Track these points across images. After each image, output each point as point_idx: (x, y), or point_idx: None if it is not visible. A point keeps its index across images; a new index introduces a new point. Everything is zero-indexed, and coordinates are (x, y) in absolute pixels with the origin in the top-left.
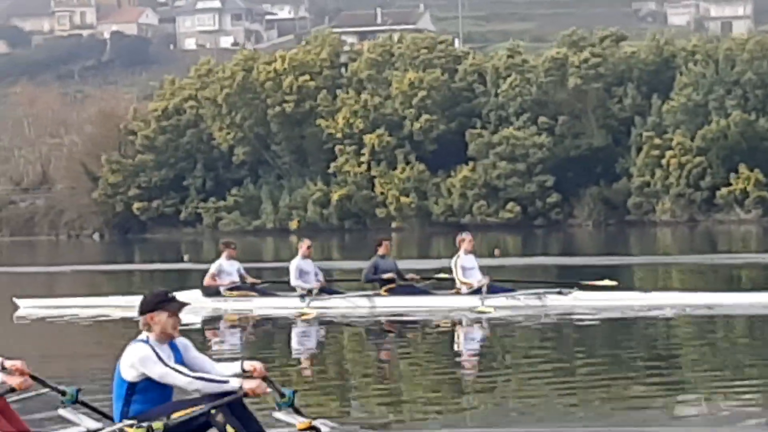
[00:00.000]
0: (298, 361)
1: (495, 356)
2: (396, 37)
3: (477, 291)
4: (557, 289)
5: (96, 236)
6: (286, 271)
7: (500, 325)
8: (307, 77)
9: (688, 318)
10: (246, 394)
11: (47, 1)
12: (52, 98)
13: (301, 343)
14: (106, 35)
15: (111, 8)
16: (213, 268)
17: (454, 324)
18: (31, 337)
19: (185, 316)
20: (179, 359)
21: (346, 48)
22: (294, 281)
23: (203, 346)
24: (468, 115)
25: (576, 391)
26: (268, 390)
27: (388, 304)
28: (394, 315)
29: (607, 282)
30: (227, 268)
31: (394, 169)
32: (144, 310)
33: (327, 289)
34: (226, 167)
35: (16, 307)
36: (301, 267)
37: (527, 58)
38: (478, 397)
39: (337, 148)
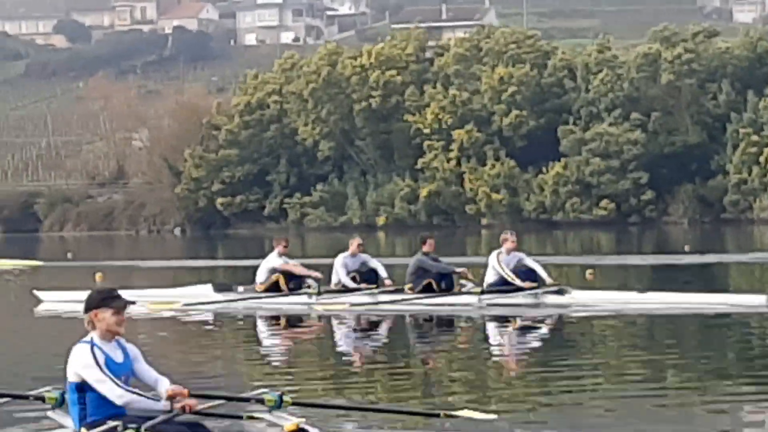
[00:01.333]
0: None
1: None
2: (484, 32)
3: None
4: (554, 288)
5: (177, 231)
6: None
7: (499, 322)
8: (393, 72)
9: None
10: (177, 414)
11: None
12: (128, 93)
13: (307, 339)
14: (167, 30)
15: (171, 3)
16: (268, 264)
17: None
18: (46, 331)
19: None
20: (128, 361)
21: (431, 43)
22: (343, 278)
23: (212, 342)
24: (557, 111)
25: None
26: (197, 405)
27: (413, 301)
28: (419, 312)
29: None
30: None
31: (484, 165)
32: (88, 307)
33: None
34: (309, 163)
35: (38, 300)
36: (348, 264)
37: (617, 54)
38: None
39: (426, 143)
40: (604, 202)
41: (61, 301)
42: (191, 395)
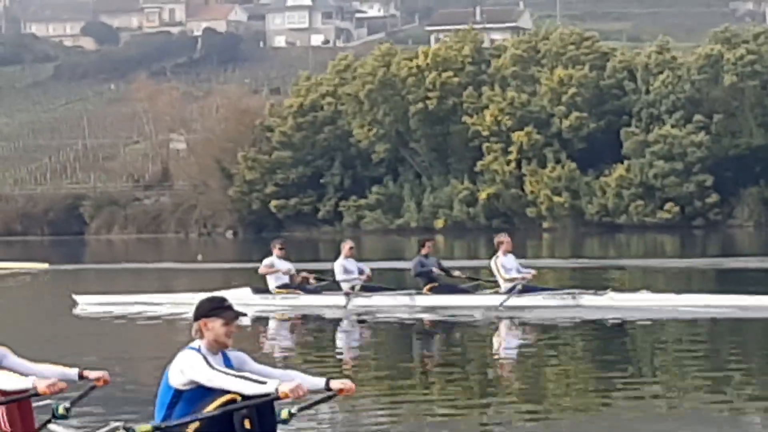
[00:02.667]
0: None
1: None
2: (541, 33)
3: (511, 290)
4: (592, 290)
5: (229, 234)
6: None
7: (534, 323)
8: (450, 73)
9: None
10: (278, 397)
11: None
12: (172, 94)
13: (343, 340)
14: (196, 32)
15: (199, 5)
16: (267, 261)
17: (492, 322)
18: (79, 335)
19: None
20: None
21: (485, 45)
22: (339, 277)
23: (253, 343)
24: (617, 112)
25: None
26: (305, 391)
27: (430, 302)
28: (436, 313)
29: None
30: (278, 266)
31: (544, 167)
32: (198, 315)
33: (371, 286)
34: (363, 165)
35: (74, 303)
36: (345, 266)
37: (676, 55)
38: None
39: (484, 145)
40: (668, 206)
41: (97, 304)
42: None
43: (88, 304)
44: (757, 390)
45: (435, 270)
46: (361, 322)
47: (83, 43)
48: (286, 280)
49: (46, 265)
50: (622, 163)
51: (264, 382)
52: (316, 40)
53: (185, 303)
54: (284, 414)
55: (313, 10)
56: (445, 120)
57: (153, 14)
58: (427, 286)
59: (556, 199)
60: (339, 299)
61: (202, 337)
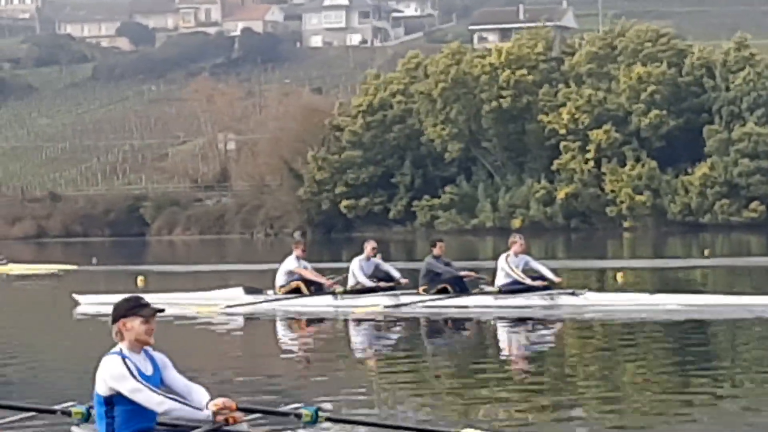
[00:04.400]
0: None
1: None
2: (617, 29)
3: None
4: (570, 290)
5: (297, 235)
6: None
7: (511, 323)
8: (524, 71)
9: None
10: (220, 426)
11: None
12: (231, 94)
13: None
14: (233, 32)
15: (235, 5)
16: (287, 267)
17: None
18: (75, 336)
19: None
20: (157, 373)
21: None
22: (361, 279)
23: (245, 344)
24: (696, 110)
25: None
26: (242, 418)
27: (429, 302)
28: (428, 314)
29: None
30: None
31: (623, 166)
32: (116, 317)
33: (363, 288)
34: (434, 164)
35: (76, 303)
36: (362, 266)
37: (754, 52)
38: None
39: (562, 144)
40: (753, 204)
41: (99, 304)
42: (239, 408)
43: (89, 304)
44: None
45: (444, 270)
46: (347, 321)
47: (119, 43)
48: (289, 279)
49: (75, 267)
50: (704, 161)
51: (200, 409)
52: (353, 39)
53: (194, 302)
54: None
55: (350, 10)
56: (519, 118)
57: (188, 14)
58: (435, 287)
59: (637, 198)
60: (328, 299)
61: (122, 338)
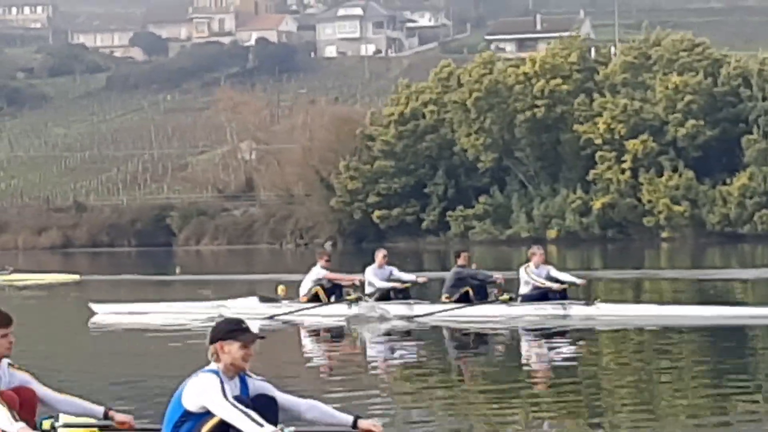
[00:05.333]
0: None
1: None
2: (652, 39)
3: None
4: (583, 300)
5: (328, 245)
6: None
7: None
8: (558, 81)
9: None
10: None
11: (184, 8)
12: (256, 104)
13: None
14: (247, 42)
15: (249, 15)
16: (313, 276)
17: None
18: (88, 345)
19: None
20: (245, 401)
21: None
22: (378, 284)
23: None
24: (733, 120)
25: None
26: None
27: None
28: (453, 322)
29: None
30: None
31: (660, 176)
32: (214, 338)
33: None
34: (467, 174)
35: (92, 313)
36: (377, 274)
37: None
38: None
39: (597, 154)
40: None
41: (115, 313)
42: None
43: (105, 314)
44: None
45: (469, 275)
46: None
47: (132, 53)
48: (312, 287)
49: (77, 277)
50: (742, 171)
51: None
52: (367, 50)
53: (201, 312)
54: None
55: (364, 20)
56: (553, 128)
57: (202, 24)
58: (458, 293)
59: (675, 208)
60: (342, 308)
61: (218, 360)
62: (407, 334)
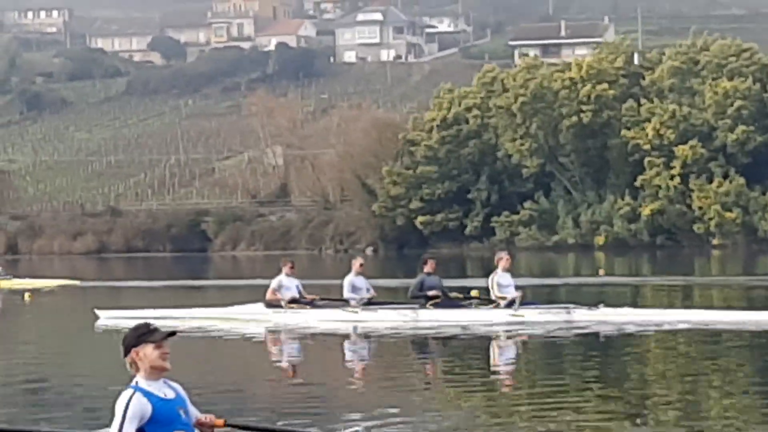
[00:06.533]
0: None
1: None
2: (699, 44)
3: (510, 304)
4: (586, 305)
5: (369, 251)
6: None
7: (533, 336)
8: (605, 86)
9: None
10: None
11: (203, 13)
12: (291, 109)
13: (353, 354)
14: (267, 47)
15: (268, 20)
16: (274, 283)
17: (491, 337)
18: (94, 351)
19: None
20: (181, 396)
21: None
22: (347, 294)
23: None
24: None
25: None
26: None
27: (432, 317)
28: (438, 327)
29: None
30: (286, 283)
31: (710, 182)
32: (127, 347)
33: (376, 303)
34: (510, 179)
35: (96, 318)
36: (354, 283)
37: None
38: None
39: (646, 160)
40: None
41: (118, 318)
42: (228, 425)
43: (108, 319)
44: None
45: (433, 293)
46: (367, 337)
47: (150, 58)
48: (296, 294)
49: (77, 282)
50: None
51: None
52: (386, 55)
53: (210, 317)
54: None
55: (384, 25)
56: (599, 134)
57: (221, 29)
58: (429, 302)
59: (727, 215)
60: (347, 314)
61: (137, 369)
62: (392, 337)
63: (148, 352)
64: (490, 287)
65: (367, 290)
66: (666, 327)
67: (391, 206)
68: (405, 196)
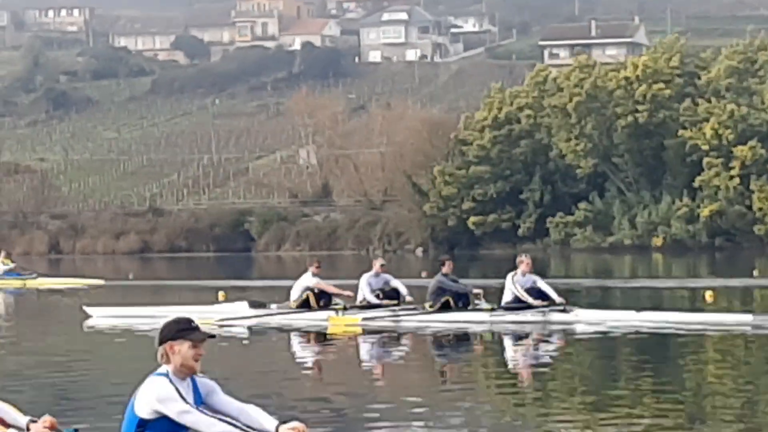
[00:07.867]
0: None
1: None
2: (756, 43)
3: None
4: (561, 307)
5: (419, 251)
6: None
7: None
8: (661, 85)
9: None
10: None
11: (227, 12)
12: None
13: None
14: (291, 47)
15: (292, 19)
16: (303, 278)
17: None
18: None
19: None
20: (198, 400)
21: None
22: (366, 295)
23: (248, 356)
24: None
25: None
26: None
27: (433, 318)
28: (437, 328)
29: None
30: (310, 283)
31: None
32: (163, 338)
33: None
34: (563, 180)
35: (87, 316)
36: (370, 282)
37: None
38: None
39: (704, 160)
40: None
41: (109, 316)
42: None
43: (99, 317)
44: None
45: (451, 287)
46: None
47: (174, 57)
48: (303, 295)
49: (101, 282)
50: None
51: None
52: (411, 54)
53: (196, 315)
54: None
55: (409, 25)
56: (655, 134)
57: (245, 28)
58: (440, 302)
59: None
60: (330, 314)
61: (168, 362)
62: (396, 339)
63: (184, 348)
64: (514, 290)
65: (383, 291)
66: (635, 328)
67: (443, 206)
68: (457, 197)
